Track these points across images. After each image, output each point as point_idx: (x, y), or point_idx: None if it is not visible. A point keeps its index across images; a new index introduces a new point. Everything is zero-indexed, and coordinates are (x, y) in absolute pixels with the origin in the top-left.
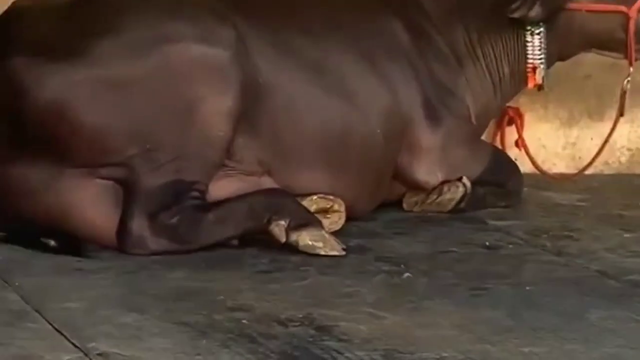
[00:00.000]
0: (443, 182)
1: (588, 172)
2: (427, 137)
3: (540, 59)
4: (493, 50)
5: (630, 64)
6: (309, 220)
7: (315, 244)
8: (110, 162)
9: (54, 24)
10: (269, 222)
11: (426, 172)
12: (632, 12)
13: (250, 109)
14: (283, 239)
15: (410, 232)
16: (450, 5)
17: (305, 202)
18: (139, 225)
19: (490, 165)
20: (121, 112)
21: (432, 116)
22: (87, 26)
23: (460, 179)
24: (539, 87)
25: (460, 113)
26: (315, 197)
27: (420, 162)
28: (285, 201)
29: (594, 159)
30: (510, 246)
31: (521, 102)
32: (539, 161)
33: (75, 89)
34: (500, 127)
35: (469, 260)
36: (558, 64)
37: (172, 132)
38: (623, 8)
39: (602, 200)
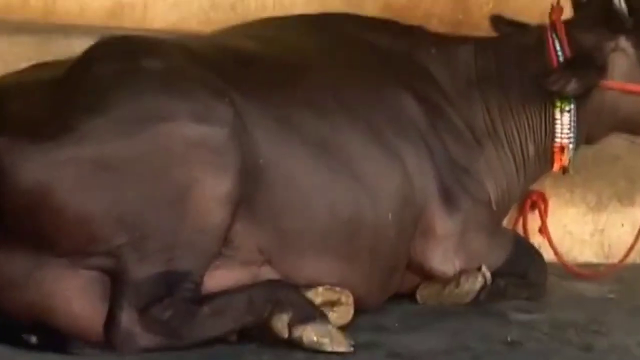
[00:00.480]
0: (461, 272)
1: (618, 260)
2: (443, 222)
3: (569, 138)
4: (517, 127)
5: None
6: (314, 314)
7: (321, 339)
8: (97, 251)
9: (39, 100)
10: (270, 315)
11: (442, 261)
12: None
13: (250, 193)
14: (286, 335)
15: (424, 327)
16: (468, 78)
17: (310, 294)
18: (128, 320)
19: (512, 254)
20: (109, 196)
21: (449, 200)
22: (74, 102)
23: (479, 269)
24: (564, 170)
25: (480, 197)
26: (320, 288)
27: (436, 250)
28: (287, 293)
29: (628, 253)
30: (533, 342)
31: (545, 185)
32: (564, 249)
33: (60, 170)
34: (522, 212)
35: (489, 357)
36: (583, 145)
37: (164, 218)
38: None
39: (634, 292)
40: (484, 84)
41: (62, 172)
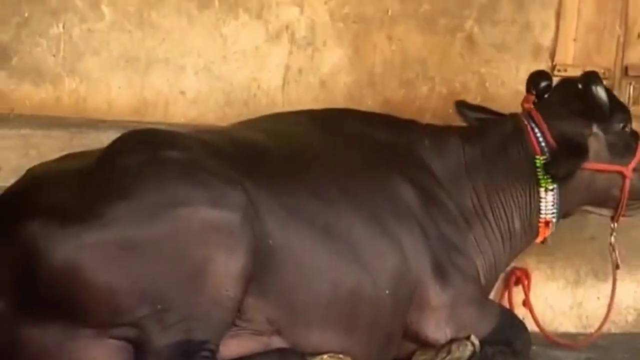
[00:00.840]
0: (452, 341)
1: (594, 330)
2: (436, 296)
3: (552, 213)
4: (503, 207)
5: (617, 220)
6: None
7: None
8: (122, 322)
9: (69, 187)
10: None
11: (435, 330)
12: (628, 172)
13: (260, 270)
14: None
15: None
16: (458, 165)
17: None
18: None
19: (498, 324)
20: (133, 274)
21: (441, 276)
22: (100, 190)
23: (468, 338)
24: (544, 240)
25: (469, 272)
26: (325, 356)
27: (430, 321)
28: None
29: (602, 324)
30: None
31: (528, 262)
32: (546, 321)
33: (88, 251)
34: (508, 287)
35: None
36: (564, 226)
37: (183, 293)
38: (620, 167)
39: (609, 358)
40: (471, 169)
41: (90, 253)
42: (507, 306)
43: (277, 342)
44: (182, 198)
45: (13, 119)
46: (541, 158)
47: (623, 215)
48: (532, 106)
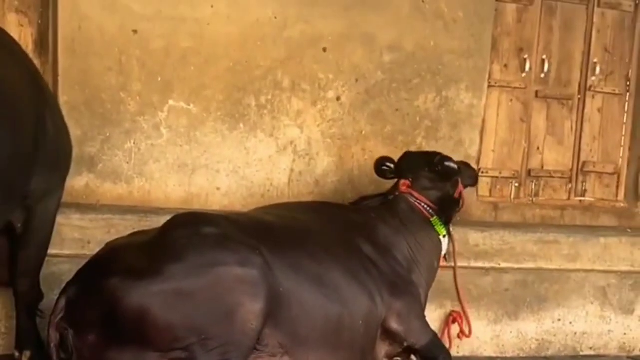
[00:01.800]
0: None
1: (509, 355)
2: (394, 305)
3: (446, 250)
4: (425, 252)
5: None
6: None
7: None
8: (177, 347)
9: (137, 254)
10: None
11: (396, 325)
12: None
13: (274, 309)
14: None
15: None
16: (395, 229)
17: None
18: None
19: (433, 339)
20: (185, 313)
21: (397, 295)
22: (160, 255)
23: (409, 357)
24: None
25: (417, 297)
26: None
27: (392, 319)
28: None
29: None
30: None
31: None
32: (473, 348)
33: (154, 298)
34: (447, 324)
35: None
36: (487, 282)
37: (220, 327)
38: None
39: None
40: (400, 232)
41: (155, 299)
42: (448, 339)
43: None
44: (219, 260)
45: (99, 207)
46: (433, 219)
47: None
48: (409, 188)
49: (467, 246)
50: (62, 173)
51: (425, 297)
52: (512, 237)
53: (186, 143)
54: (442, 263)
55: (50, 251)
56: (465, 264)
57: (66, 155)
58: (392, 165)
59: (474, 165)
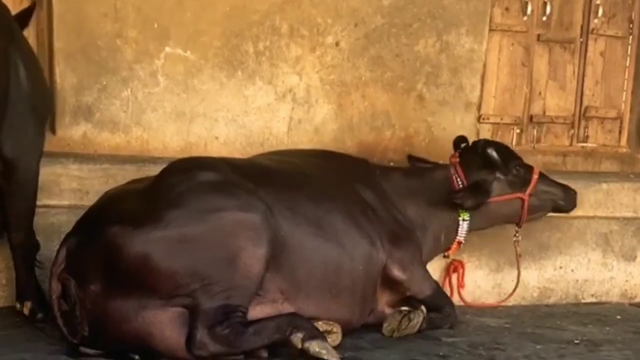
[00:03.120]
0: (409, 311)
1: (510, 303)
2: (395, 253)
3: (463, 236)
4: (436, 224)
5: (519, 226)
6: (318, 335)
7: (321, 351)
8: (180, 294)
9: (135, 202)
10: (290, 334)
11: (399, 272)
12: (526, 197)
13: (275, 254)
14: (299, 346)
15: (387, 347)
16: (401, 190)
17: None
18: (202, 335)
19: (435, 290)
20: (187, 260)
21: (397, 241)
22: (159, 201)
23: (419, 308)
24: (447, 255)
25: (417, 246)
26: (320, 322)
27: (394, 266)
28: (301, 321)
29: (511, 295)
30: (457, 355)
31: (463, 256)
32: (475, 297)
33: (154, 245)
34: (448, 273)
35: None
36: (488, 230)
37: (223, 272)
38: (520, 195)
39: (520, 323)
40: (408, 195)
41: (156, 246)
42: (449, 287)
43: (287, 308)
44: (219, 205)
45: (96, 157)
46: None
47: (526, 222)
48: (457, 161)
49: None
50: (40, 120)
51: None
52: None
53: (183, 91)
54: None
55: (49, 202)
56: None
57: (42, 101)
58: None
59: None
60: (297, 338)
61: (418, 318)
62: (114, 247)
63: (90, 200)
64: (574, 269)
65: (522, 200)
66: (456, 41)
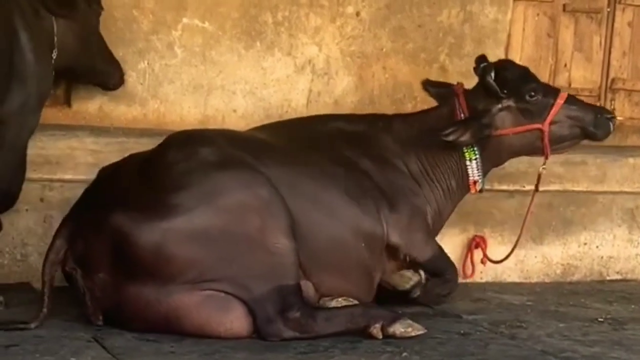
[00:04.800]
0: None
1: (533, 280)
2: (393, 219)
3: (478, 175)
4: (442, 171)
5: (546, 158)
6: (395, 317)
7: (407, 329)
8: (206, 279)
9: (137, 183)
10: (367, 326)
11: (397, 238)
12: (545, 127)
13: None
14: (381, 336)
15: None
16: (404, 140)
17: (334, 303)
18: (276, 322)
19: (437, 253)
20: (205, 248)
21: (396, 209)
22: (162, 184)
23: (417, 270)
24: (478, 191)
25: (419, 208)
26: (340, 299)
27: (393, 233)
28: (373, 310)
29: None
30: (478, 333)
31: (485, 231)
32: (497, 273)
33: (165, 235)
34: (470, 249)
35: (448, 343)
36: (510, 205)
37: (250, 254)
38: (538, 125)
39: (543, 300)
40: (412, 143)
41: (167, 236)
42: (470, 264)
43: (309, 285)
44: (223, 186)
45: (113, 131)
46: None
47: (553, 154)
48: (461, 90)
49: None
50: (40, 94)
51: (439, 216)
52: (537, 158)
53: (201, 63)
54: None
55: (64, 176)
56: (489, 187)
57: (44, 75)
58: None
59: None
60: (376, 330)
61: (413, 275)
62: (122, 235)
63: None
64: (598, 245)
65: (541, 131)
66: (480, 11)
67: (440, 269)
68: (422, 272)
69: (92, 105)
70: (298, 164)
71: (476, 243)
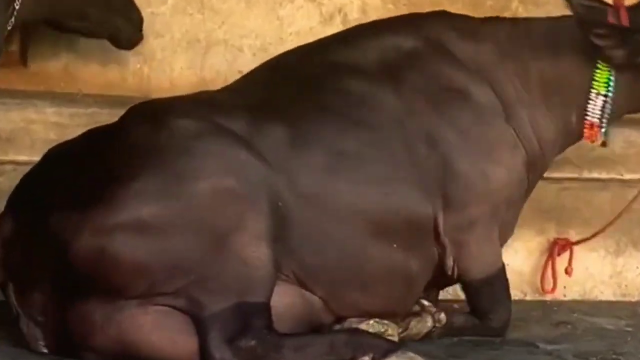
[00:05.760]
0: (413, 314)
1: (634, 298)
2: (460, 233)
3: (600, 117)
4: (562, 99)
5: None
6: (391, 347)
7: None
8: (161, 292)
9: (85, 171)
10: (355, 358)
11: (481, 270)
12: None
13: (282, 227)
14: None
15: (465, 356)
16: (496, 43)
17: (362, 326)
18: (220, 352)
19: (493, 275)
20: (156, 251)
21: (454, 204)
22: (112, 171)
23: (431, 312)
24: (603, 144)
25: (491, 193)
26: (371, 321)
27: (447, 224)
28: (364, 337)
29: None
30: None
31: (570, 233)
32: (586, 289)
33: (109, 234)
34: (551, 256)
35: None
36: (603, 199)
37: (215, 261)
38: None
39: None
40: (514, 47)
41: (111, 235)
42: (551, 274)
43: (314, 300)
44: (194, 170)
45: (81, 99)
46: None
47: None
48: (621, 4)
49: (579, 150)
50: None
51: (534, 159)
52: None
53: (198, 11)
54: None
55: (17, 157)
56: (575, 175)
57: None
58: None
59: None
60: None
61: (422, 327)
62: (60, 242)
63: None
64: None
65: None
66: None
67: (488, 301)
68: (441, 315)
69: (55, 65)
70: (312, 117)
71: (559, 248)
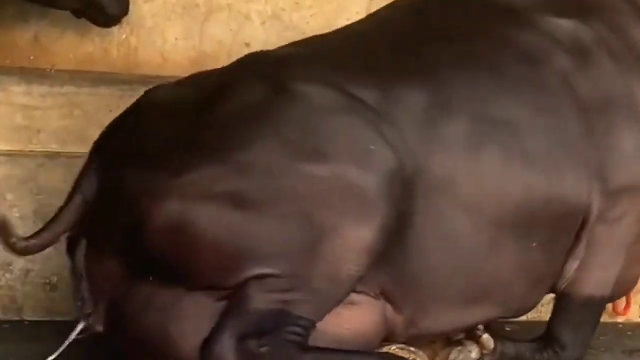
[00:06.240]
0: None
1: None
2: (603, 228)
3: None
4: None
5: None
6: None
7: None
8: (228, 285)
9: (180, 129)
10: None
11: (596, 285)
12: None
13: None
14: None
15: None
16: None
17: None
18: (224, 345)
19: (601, 300)
20: (245, 234)
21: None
22: (212, 133)
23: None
24: None
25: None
26: (394, 347)
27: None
28: None
29: None
30: None
31: None
32: None
33: (197, 204)
34: None
35: None
36: None
37: (296, 262)
38: None
39: None
40: None
41: (199, 205)
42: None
43: (394, 316)
44: (312, 151)
45: (55, 75)
46: None
47: None
48: None
49: None
50: None
51: None
52: None
53: None
54: None
55: None
56: None
57: None
58: None
59: None
60: None
61: (468, 353)
62: (139, 203)
63: (44, 144)
64: None
65: None
66: None
67: (574, 328)
68: (488, 342)
69: (23, 36)
70: (453, 80)
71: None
